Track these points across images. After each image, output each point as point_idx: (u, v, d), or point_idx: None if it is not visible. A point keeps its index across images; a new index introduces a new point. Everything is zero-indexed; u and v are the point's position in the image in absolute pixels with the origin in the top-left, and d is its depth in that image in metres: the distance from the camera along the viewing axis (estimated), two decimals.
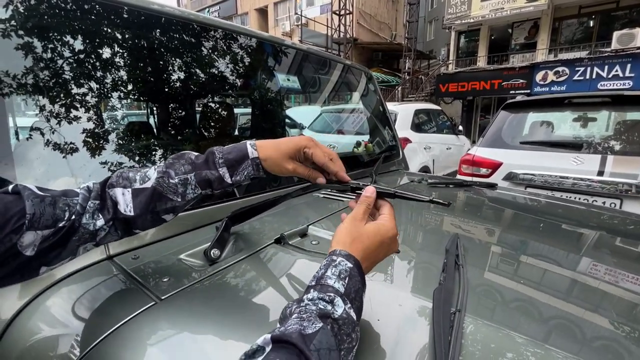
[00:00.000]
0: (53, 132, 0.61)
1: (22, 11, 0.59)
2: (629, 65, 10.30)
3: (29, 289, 0.52)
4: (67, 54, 0.64)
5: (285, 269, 0.60)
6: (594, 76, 10.83)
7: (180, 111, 0.96)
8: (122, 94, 0.76)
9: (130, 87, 0.77)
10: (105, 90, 0.71)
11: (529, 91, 12.02)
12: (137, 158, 0.76)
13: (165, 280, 0.54)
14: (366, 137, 1.83)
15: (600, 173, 2.20)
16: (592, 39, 12.40)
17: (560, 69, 11.39)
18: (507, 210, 1.19)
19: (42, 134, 0.60)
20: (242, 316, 0.48)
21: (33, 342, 0.48)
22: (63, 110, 0.63)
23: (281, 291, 0.54)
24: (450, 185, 1.28)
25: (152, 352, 0.42)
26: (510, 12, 12.28)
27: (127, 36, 0.75)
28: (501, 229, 0.96)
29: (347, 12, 13.28)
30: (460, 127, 5.92)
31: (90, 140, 0.67)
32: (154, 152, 0.83)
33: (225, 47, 0.99)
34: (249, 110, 1.98)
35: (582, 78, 11.00)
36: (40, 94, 0.61)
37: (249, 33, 1.04)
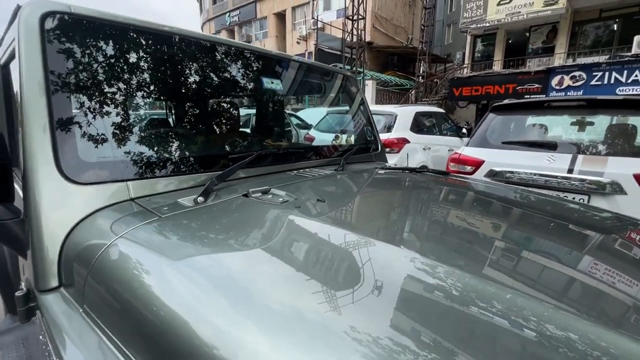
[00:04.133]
0: (93, 124, 0.93)
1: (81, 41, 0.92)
2: None
3: (87, 207, 0.84)
4: (115, 69, 0.97)
5: (244, 211, 0.90)
6: (612, 81, 10.63)
7: (193, 110, 1.28)
8: (149, 98, 1.08)
9: (154, 91, 1.09)
10: (139, 94, 1.03)
11: (544, 95, 11.88)
12: (168, 140, 1.08)
13: (165, 209, 0.84)
14: (338, 131, 2.12)
15: (570, 171, 2.38)
16: (613, 43, 12.14)
17: (577, 73, 11.23)
18: (449, 192, 1.45)
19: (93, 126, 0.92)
20: (208, 233, 0.78)
21: (86, 245, 0.79)
22: (113, 108, 0.96)
23: (237, 223, 0.83)
24: (406, 171, 1.54)
25: (150, 245, 0.72)
26: (527, 16, 12.21)
27: (150, 54, 1.06)
28: (446, 208, 1.22)
29: (360, 17, 13.53)
30: (465, 130, 6.06)
31: (139, 125, 0.99)
32: (182, 137, 1.16)
33: (221, 59, 1.30)
34: (248, 110, 2.30)
35: (599, 83, 10.82)
36: (103, 104, 0.93)
37: (237, 45, 1.35)
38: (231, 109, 1.44)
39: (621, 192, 2.19)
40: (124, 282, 0.64)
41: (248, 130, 1.68)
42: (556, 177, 2.41)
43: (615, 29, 12.46)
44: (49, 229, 0.79)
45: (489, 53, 14.84)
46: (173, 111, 1.51)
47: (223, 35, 22.54)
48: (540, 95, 11.78)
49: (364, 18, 13.70)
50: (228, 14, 24.27)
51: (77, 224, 0.82)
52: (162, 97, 1.31)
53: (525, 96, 12.34)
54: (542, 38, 13.61)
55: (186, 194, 0.98)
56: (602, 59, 11.32)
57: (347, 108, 2.24)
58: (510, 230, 0.98)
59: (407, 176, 1.50)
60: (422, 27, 16.21)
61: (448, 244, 0.81)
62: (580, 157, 2.40)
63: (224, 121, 1.36)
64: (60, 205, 0.81)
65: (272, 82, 1.48)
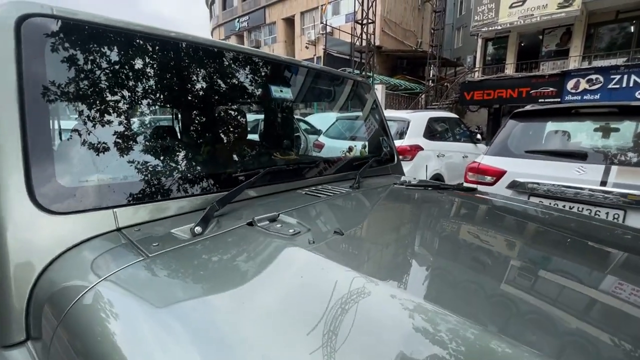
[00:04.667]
0: (91, 133, 0.81)
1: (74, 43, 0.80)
2: None
3: (64, 242, 0.71)
4: (110, 75, 0.85)
5: (249, 244, 0.76)
6: (631, 84, 10.26)
7: (191, 123, 1.16)
8: (139, 110, 0.95)
9: (147, 102, 0.97)
10: (141, 100, 0.91)
11: (559, 100, 11.55)
12: (162, 157, 0.95)
13: (156, 245, 0.71)
14: (352, 142, 1.97)
15: (603, 183, 2.19)
16: (631, 46, 11.76)
17: (593, 76, 10.89)
18: (482, 212, 1.28)
19: (88, 134, 0.80)
20: (206, 273, 0.64)
21: (60, 288, 0.67)
22: (108, 116, 0.84)
23: (239, 265, 0.70)
24: (429, 188, 1.38)
25: (133, 295, 0.59)
26: (541, 19, 11.92)
27: (144, 60, 0.94)
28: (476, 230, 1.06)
29: (370, 21, 13.44)
30: (479, 136, 5.85)
31: (128, 141, 0.86)
32: (177, 152, 1.03)
33: (229, 64, 1.17)
34: (253, 120, 2.18)
35: (617, 86, 10.45)
36: (98, 113, 0.81)
37: (245, 51, 1.22)
38: (235, 121, 1.32)
39: None
40: (95, 343, 0.51)
41: (253, 143, 1.55)
42: (588, 189, 2.22)
43: (633, 30, 12.08)
44: (16, 271, 0.66)
45: (500, 56, 14.55)
46: (168, 125, 1.40)
47: (232, 41, 22.74)
48: (556, 99, 11.47)
49: (373, 22, 13.61)
50: (237, 19, 24.47)
51: (52, 261, 0.70)
52: (154, 109, 1.19)
53: (540, 100, 12.02)
54: (556, 41, 13.28)
55: (183, 221, 0.85)
56: (619, 61, 10.96)
57: (360, 114, 2.10)
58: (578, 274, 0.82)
59: (430, 196, 1.34)
60: (432, 31, 16.03)
61: (508, 311, 0.65)
62: (614, 168, 2.20)
63: (226, 135, 1.23)
64: (31, 241, 0.68)
65: (281, 90, 1.35)
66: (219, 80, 1.15)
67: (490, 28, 13.18)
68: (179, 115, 1.29)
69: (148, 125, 1.16)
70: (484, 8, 13.11)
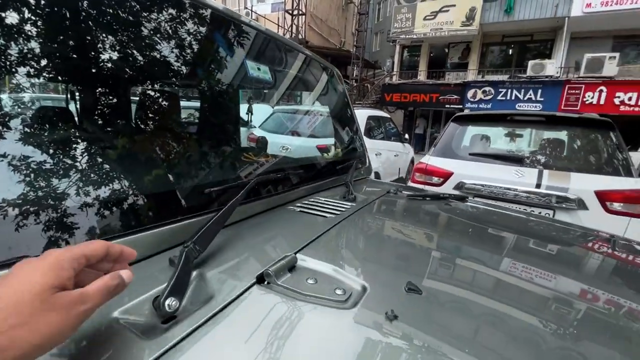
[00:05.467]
0: None
1: None
2: (539, 91, 11.94)
3: None
4: None
5: (280, 328, 0.43)
6: (513, 97, 12.33)
7: (110, 96, 0.71)
8: (32, 72, 0.51)
9: (42, 63, 0.53)
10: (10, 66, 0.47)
11: (461, 106, 13.24)
12: (51, 152, 0.52)
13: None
14: (327, 141, 1.70)
15: (538, 186, 2.39)
16: (512, 65, 14.16)
17: (487, 88, 12.75)
18: (479, 222, 1.17)
19: None
20: None
21: None
22: None
23: None
24: (427, 198, 1.22)
25: None
26: (448, 33, 13.41)
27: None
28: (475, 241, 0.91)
29: (301, 12, 13.19)
30: (407, 136, 6.19)
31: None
32: (73, 146, 0.58)
33: (158, 15, 0.77)
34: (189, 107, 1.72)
35: (504, 98, 12.45)
36: None
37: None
38: (174, 107, 0.90)
39: (584, 207, 2.26)
40: None
41: (213, 141, 1.12)
42: (525, 191, 2.40)
43: (511, 53, 14.56)
44: None
45: (414, 63, 15.97)
46: (59, 107, 0.88)
47: None
48: (459, 106, 13.10)
49: (304, 14, 13.37)
50: None
51: None
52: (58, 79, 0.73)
53: (447, 106, 13.60)
54: (458, 54, 15.18)
55: (139, 282, 0.47)
56: (504, 77, 13.06)
57: (320, 105, 1.84)
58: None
59: (439, 208, 1.16)
60: (357, 32, 16.63)
61: None
62: (546, 172, 2.43)
63: (178, 130, 0.83)
64: None
65: (226, 60, 0.97)
66: (136, 39, 0.74)
67: (408, 36, 14.30)
68: (77, 95, 0.81)
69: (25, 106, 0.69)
70: (402, 17, 14.13)
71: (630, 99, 10.63)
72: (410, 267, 0.67)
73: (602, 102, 10.96)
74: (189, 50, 0.79)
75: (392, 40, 15.25)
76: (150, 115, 0.80)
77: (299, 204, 0.93)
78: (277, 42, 1.17)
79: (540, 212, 2.40)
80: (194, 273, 0.50)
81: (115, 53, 0.62)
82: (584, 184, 2.28)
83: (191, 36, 0.80)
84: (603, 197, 2.21)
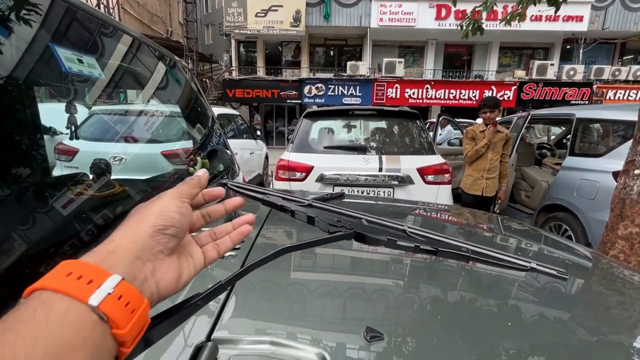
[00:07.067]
0: None
1: None
2: (357, 87, 14.34)
3: None
4: None
5: None
6: (339, 93, 14.34)
7: None
8: None
9: None
10: None
11: (300, 101, 14.38)
12: None
13: None
14: (175, 145, 1.41)
15: (380, 169, 2.84)
16: (334, 65, 16.41)
17: (319, 85, 14.30)
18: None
19: None
20: None
21: None
22: None
23: None
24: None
25: None
26: (279, 32, 14.15)
27: None
28: None
29: None
30: (259, 132, 6.19)
31: None
32: None
33: None
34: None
35: (333, 94, 14.30)
36: None
37: None
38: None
39: (412, 182, 2.84)
40: None
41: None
42: (372, 175, 2.81)
43: (332, 54, 16.87)
44: None
45: (252, 59, 16.12)
46: None
47: None
48: (298, 101, 14.18)
49: None
50: None
51: None
52: None
53: (288, 100, 14.46)
54: (291, 53, 16.31)
55: None
56: (330, 76, 15.00)
57: (163, 106, 1.55)
58: None
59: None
60: (186, 22, 15.24)
61: None
62: (384, 157, 2.91)
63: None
64: None
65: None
66: None
67: (241, 31, 14.21)
68: None
69: None
70: (233, 11, 13.88)
71: (414, 93, 14.23)
72: (348, 303, 0.61)
73: (398, 96, 14.21)
74: None
75: (225, 34, 14.82)
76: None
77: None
78: (88, 17, 0.81)
79: (384, 191, 2.88)
80: None
81: None
82: (409, 164, 2.87)
83: None
84: (422, 172, 2.85)
